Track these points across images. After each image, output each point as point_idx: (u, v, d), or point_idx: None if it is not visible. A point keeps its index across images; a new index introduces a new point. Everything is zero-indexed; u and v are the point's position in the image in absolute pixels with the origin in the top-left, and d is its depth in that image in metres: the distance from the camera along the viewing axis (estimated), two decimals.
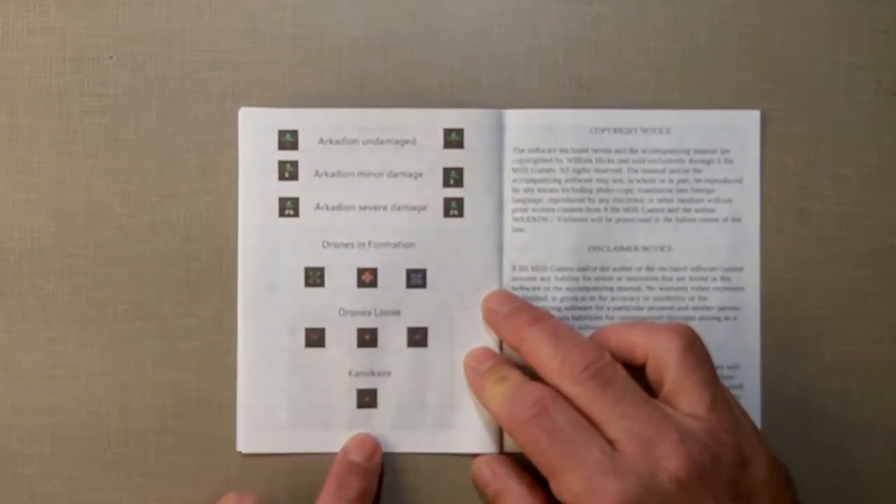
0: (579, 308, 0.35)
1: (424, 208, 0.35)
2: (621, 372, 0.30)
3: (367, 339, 0.35)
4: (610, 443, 0.29)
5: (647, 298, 0.35)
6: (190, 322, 0.35)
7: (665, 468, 0.28)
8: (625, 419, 0.29)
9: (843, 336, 0.35)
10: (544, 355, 0.31)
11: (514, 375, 0.32)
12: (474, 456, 0.35)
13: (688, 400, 0.30)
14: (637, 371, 0.31)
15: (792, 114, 0.36)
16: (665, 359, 0.30)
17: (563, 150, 0.35)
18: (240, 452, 0.35)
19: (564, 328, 0.32)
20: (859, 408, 0.35)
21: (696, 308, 0.35)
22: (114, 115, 0.35)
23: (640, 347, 0.31)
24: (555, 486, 0.29)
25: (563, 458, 0.28)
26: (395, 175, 0.35)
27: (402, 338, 0.35)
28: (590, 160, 0.35)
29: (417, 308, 0.35)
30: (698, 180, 0.35)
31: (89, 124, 0.35)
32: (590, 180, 0.35)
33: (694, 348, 0.30)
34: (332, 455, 0.34)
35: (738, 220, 0.35)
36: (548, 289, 0.35)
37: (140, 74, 0.35)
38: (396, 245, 0.35)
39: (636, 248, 0.35)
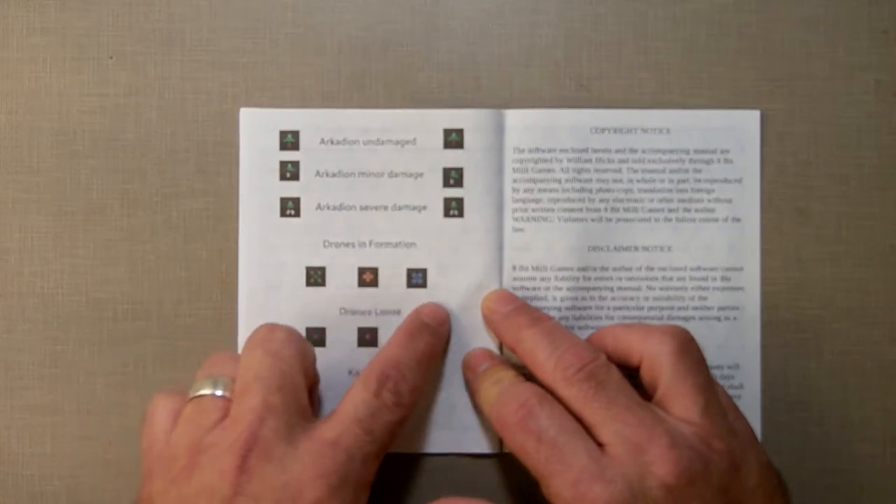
0: (579, 308, 0.35)
1: (425, 208, 0.35)
2: (616, 374, 0.30)
3: (368, 338, 0.35)
4: (601, 445, 0.28)
5: (646, 298, 0.35)
6: (190, 322, 0.35)
7: (654, 474, 0.27)
8: (617, 422, 0.28)
9: (843, 336, 0.35)
10: (540, 356, 0.30)
11: (509, 378, 0.31)
12: (474, 456, 0.35)
13: (681, 404, 0.29)
14: (633, 373, 0.31)
15: (792, 114, 0.36)
16: (659, 362, 0.30)
17: (563, 150, 0.35)
18: None
19: (561, 329, 0.31)
20: (859, 408, 0.35)
21: (696, 308, 0.35)
22: (114, 115, 0.35)
23: (635, 350, 0.31)
24: (544, 491, 0.28)
25: (550, 463, 0.28)
26: (396, 175, 0.35)
27: None
28: (590, 160, 0.35)
29: None
30: (698, 180, 0.35)
31: (89, 124, 0.35)
32: (590, 180, 0.35)
33: (688, 352, 0.30)
34: None
35: (738, 220, 0.35)
36: (548, 289, 0.35)
37: (140, 74, 0.35)
38: (397, 245, 0.35)
39: (636, 248, 0.35)
